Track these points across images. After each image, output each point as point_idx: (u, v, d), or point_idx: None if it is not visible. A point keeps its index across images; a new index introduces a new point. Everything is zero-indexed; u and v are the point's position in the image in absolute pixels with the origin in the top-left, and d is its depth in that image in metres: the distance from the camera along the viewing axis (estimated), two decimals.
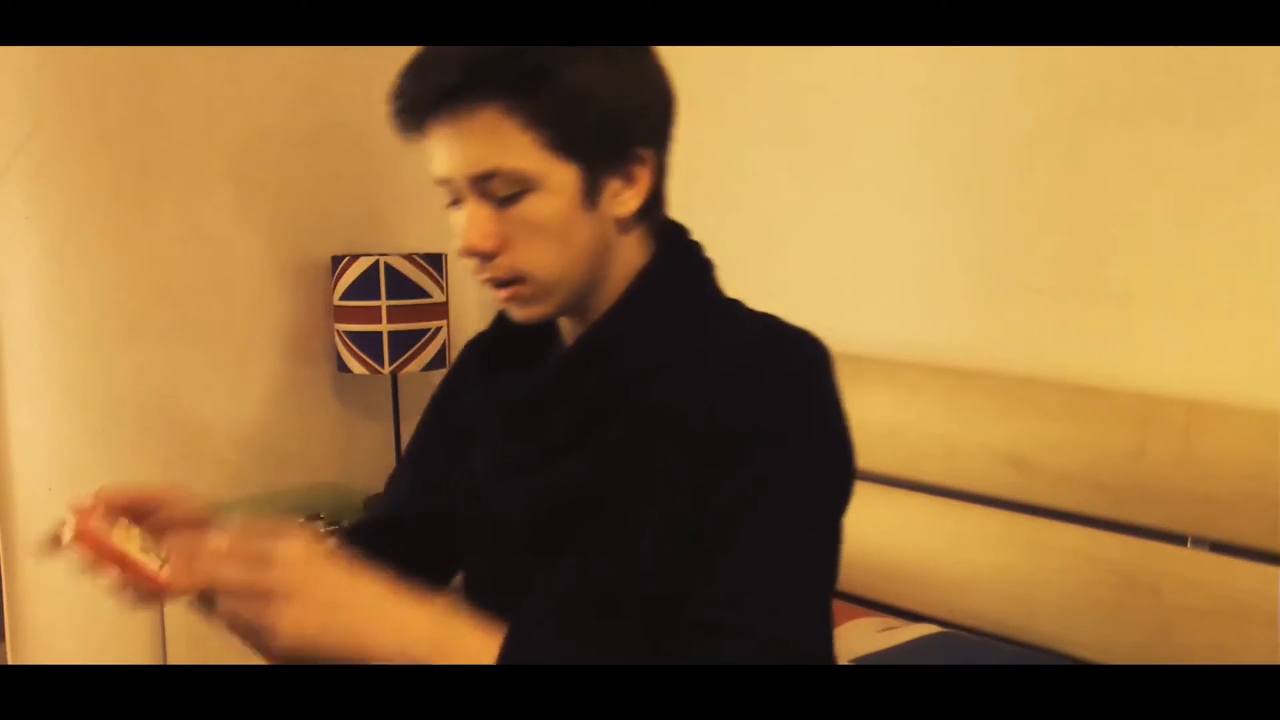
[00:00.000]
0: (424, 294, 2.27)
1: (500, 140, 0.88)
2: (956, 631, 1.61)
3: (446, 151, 0.90)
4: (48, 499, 2.13)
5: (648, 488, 0.91)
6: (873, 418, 1.79)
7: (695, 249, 1.01)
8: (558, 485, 0.96)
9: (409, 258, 2.25)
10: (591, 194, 0.91)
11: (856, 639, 1.57)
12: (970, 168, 1.74)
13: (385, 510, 1.18)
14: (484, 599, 1.04)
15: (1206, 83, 1.49)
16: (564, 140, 0.88)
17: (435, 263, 2.29)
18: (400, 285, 2.24)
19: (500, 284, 0.93)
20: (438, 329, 2.31)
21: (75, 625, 2.16)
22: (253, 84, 2.29)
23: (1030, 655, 1.54)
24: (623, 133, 0.92)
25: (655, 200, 0.96)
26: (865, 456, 1.78)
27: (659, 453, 0.90)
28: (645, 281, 0.96)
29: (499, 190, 0.89)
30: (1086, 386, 1.59)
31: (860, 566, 1.78)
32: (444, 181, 0.92)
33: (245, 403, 2.36)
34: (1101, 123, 1.60)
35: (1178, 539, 1.48)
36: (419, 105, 0.89)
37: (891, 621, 1.64)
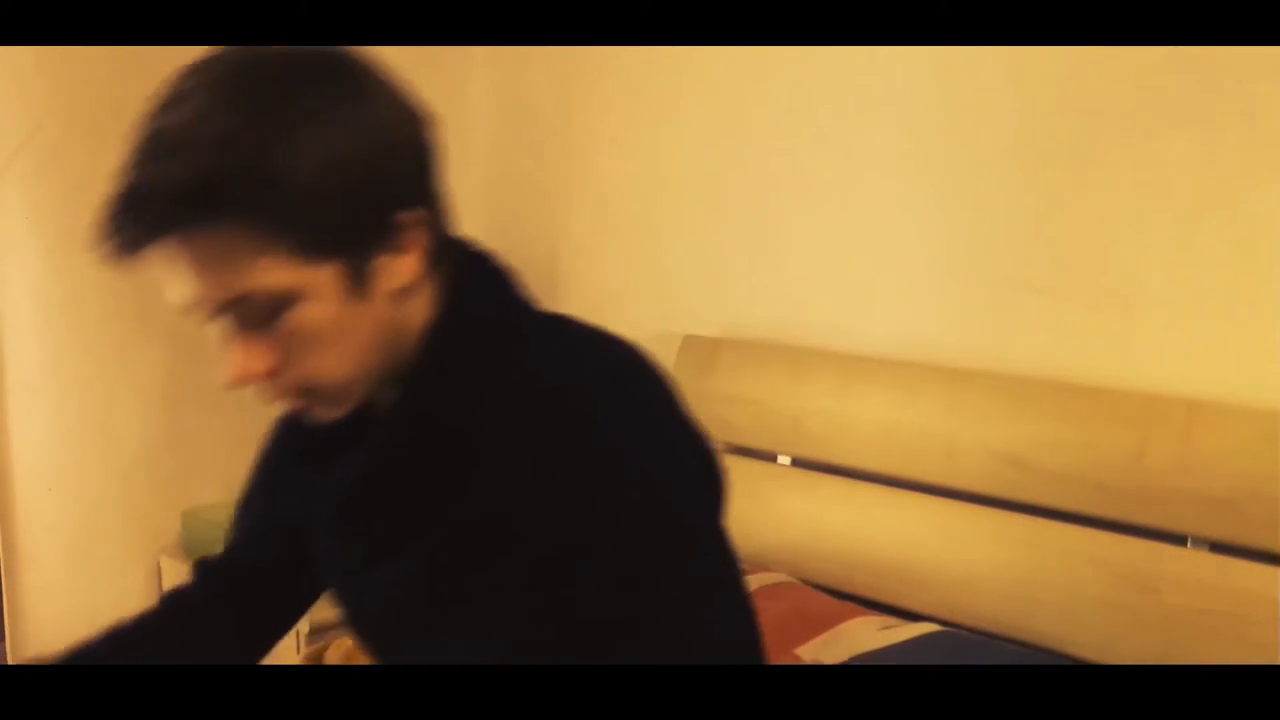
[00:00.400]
0: None
1: (242, 261, 0.75)
2: (956, 631, 1.61)
3: (185, 279, 0.77)
4: (48, 499, 2.13)
5: (501, 558, 0.83)
6: (873, 418, 1.79)
7: (481, 273, 0.89)
8: (403, 581, 0.90)
9: None
10: (359, 284, 0.80)
11: (856, 638, 1.57)
12: (970, 167, 1.74)
13: (228, 555, 1.11)
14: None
15: (1206, 83, 1.49)
16: (313, 243, 0.77)
17: None
18: None
19: (291, 397, 0.84)
20: None
21: (75, 625, 2.15)
22: None
23: (1030, 655, 1.54)
24: (378, 208, 0.79)
25: (438, 252, 0.85)
26: (865, 456, 1.80)
27: (505, 519, 0.83)
28: (435, 337, 0.85)
29: (255, 311, 0.78)
30: (1086, 386, 1.59)
31: (860, 566, 1.78)
32: (188, 308, 0.79)
33: (245, 403, 2.36)
34: (1101, 123, 1.60)
35: (1178, 539, 1.48)
36: (140, 240, 0.75)
37: (891, 621, 1.64)
